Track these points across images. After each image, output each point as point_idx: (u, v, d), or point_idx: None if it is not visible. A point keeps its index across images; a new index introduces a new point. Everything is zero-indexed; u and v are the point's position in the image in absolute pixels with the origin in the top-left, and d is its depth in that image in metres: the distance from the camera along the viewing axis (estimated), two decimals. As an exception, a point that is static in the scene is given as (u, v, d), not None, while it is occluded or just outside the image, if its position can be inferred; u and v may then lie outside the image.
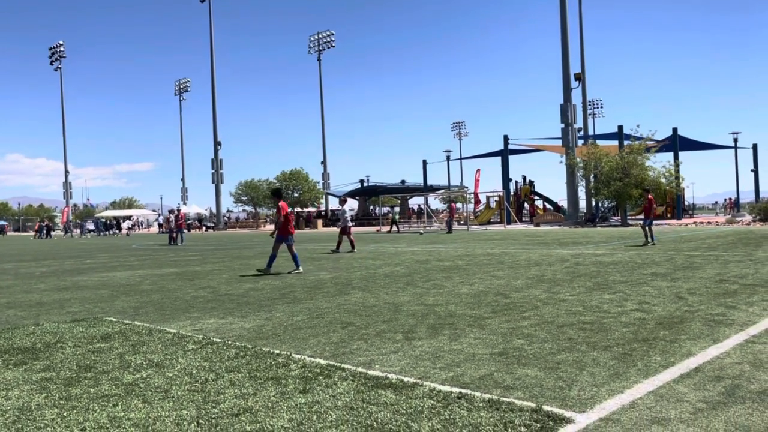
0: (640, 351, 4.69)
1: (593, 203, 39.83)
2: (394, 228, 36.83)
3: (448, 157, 79.96)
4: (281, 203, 12.31)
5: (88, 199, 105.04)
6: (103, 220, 63.68)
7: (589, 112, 63.80)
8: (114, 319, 6.99)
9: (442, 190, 60.70)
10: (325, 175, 72.36)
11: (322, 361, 4.67)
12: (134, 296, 9.15)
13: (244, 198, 71.04)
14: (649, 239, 16.92)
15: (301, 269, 12.13)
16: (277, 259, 12.35)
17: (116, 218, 66.67)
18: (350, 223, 18.93)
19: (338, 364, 4.56)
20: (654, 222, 18.30)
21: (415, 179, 66.17)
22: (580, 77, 40.57)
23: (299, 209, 66.91)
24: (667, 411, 3.34)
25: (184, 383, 4.18)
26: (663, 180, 34.55)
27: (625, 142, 36.15)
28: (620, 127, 38.35)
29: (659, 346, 4.83)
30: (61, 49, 75.13)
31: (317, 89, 74.36)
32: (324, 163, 72.22)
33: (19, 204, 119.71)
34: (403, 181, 62.09)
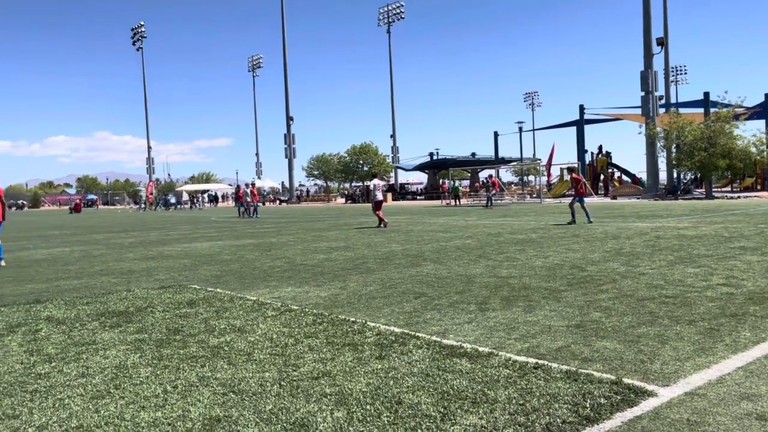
0: (728, 326, 4.48)
1: (675, 175, 37.98)
2: (459, 201, 36.49)
3: (520, 129, 78.18)
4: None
5: (169, 174, 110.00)
6: (170, 195, 66.16)
7: (671, 78, 60.47)
8: (198, 287, 7.35)
9: (514, 162, 59.52)
10: (395, 149, 72.50)
11: (397, 330, 4.74)
12: (215, 265, 9.56)
13: (316, 172, 72.31)
14: (574, 218, 16.27)
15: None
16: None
17: (194, 192, 69.44)
18: (379, 197, 18.30)
19: (412, 333, 4.61)
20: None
21: (485, 152, 65.10)
22: (662, 42, 38.40)
23: (368, 183, 67.46)
24: (758, 387, 3.20)
25: (266, 347, 4.36)
26: (753, 149, 32.45)
27: (711, 110, 34.11)
28: (706, 94, 36.20)
29: (749, 322, 4.60)
30: (142, 29, 78.20)
31: (387, 62, 74.12)
32: (393, 136, 72.31)
33: (107, 179, 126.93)
34: (473, 154, 61.30)
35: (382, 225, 17.35)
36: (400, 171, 72.65)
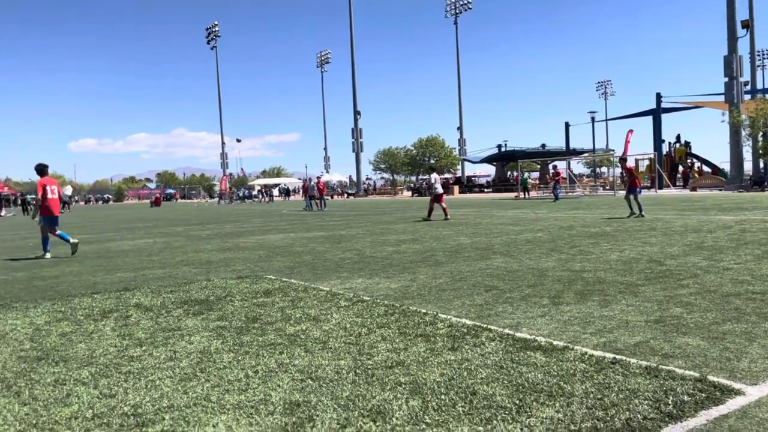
0: (824, 325, 4.23)
1: (761, 165, 35.79)
2: (527, 194, 35.78)
3: (592, 119, 75.77)
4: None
5: (241, 169, 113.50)
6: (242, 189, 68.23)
7: (757, 63, 56.88)
8: (273, 277, 7.59)
9: (586, 154, 57.80)
10: (462, 141, 71.86)
11: (468, 322, 4.74)
12: (288, 257, 9.84)
13: (383, 165, 72.72)
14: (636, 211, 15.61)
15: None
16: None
17: (265, 186, 71.42)
18: (440, 190, 18.76)
19: (484, 325, 4.61)
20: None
21: (556, 143, 63.46)
22: (747, 24, 36.20)
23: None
24: None
25: (340, 336, 4.47)
26: None
27: (804, 95, 31.89)
28: (798, 78, 33.81)
29: None
30: (216, 28, 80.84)
31: (454, 53, 73.48)
32: (460, 128, 71.69)
33: (184, 174, 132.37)
34: (543, 145, 59.95)
35: (448, 216, 17.69)
36: (466, 164, 71.96)
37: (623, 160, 18.83)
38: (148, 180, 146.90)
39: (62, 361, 4.09)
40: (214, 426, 2.88)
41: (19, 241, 15.72)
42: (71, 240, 11.17)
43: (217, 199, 61.37)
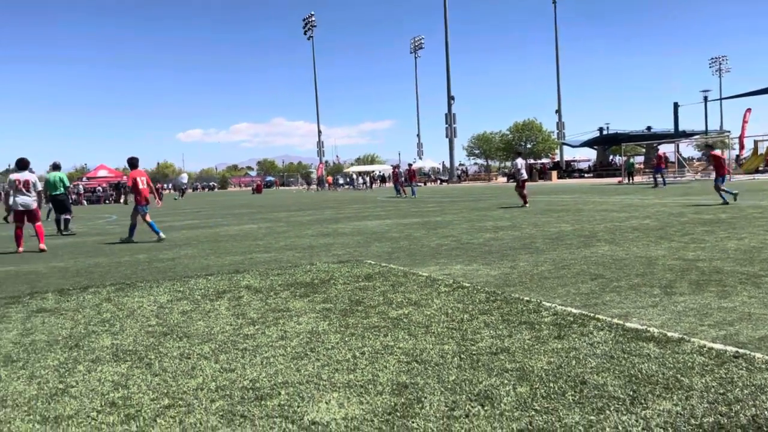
0: None
1: None
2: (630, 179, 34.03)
3: (705, 98, 70.72)
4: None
5: (337, 156, 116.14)
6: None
7: None
8: (372, 262, 7.75)
9: (697, 136, 54.11)
10: (560, 125, 69.46)
11: (574, 310, 4.63)
12: (385, 242, 9.99)
13: (477, 151, 71.79)
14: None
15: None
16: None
17: (364, 173, 72.65)
18: (524, 176, 18.35)
19: (591, 314, 4.48)
20: None
21: (663, 125, 59.74)
22: None
23: (532, 161, 65.47)
24: None
25: (442, 321, 4.51)
26: None
27: None
28: None
29: None
30: (313, 19, 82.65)
31: (552, 33, 70.94)
32: (558, 111, 69.28)
33: (282, 162, 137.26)
34: (648, 128, 56.75)
35: (526, 205, 17.34)
36: (565, 148, 69.51)
37: (709, 147, 17.61)
38: (249, 168, 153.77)
39: (185, 336, 4.42)
40: (326, 403, 3.01)
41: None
42: (160, 234, 11.97)
43: (312, 185, 63.54)
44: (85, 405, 3.14)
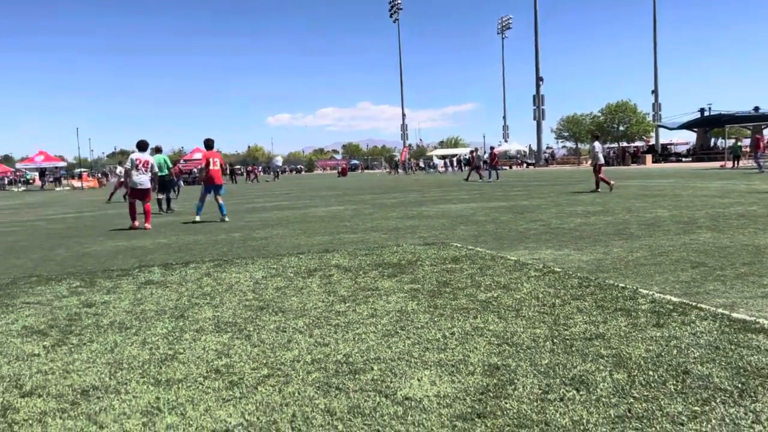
0: None
1: None
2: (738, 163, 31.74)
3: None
4: None
5: (420, 140, 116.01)
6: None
7: None
8: (458, 245, 7.72)
9: (812, 116, 49.65)
10: (656, 106, 65.85)
11: (674, 299, 4.42)
12: (471, 226, 9.92)
13: (566, 134, 69.44)
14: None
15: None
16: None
17: (448, 156, 72.23)
18: (601, 160, 18.01)
19: (693, 303, 4.27)
20: None
21: (773, 105, 55.17)
22: None
23: (625, 144, 62.58)
24: None
25: (533, 305, 4.45)
26: None
27: None
28: None
29: None
30: (399, 2, 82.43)
31: (649, 10, 67.11)
32: (655, 92, 65.65)
33: (366, 145, 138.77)
34: (756, 108, 52.66)
35: (599, 188, 17.21)
36: (661, 131, 65.85)
37: (754, 130, 16.12)
38: (335, 151, 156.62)
39: (280, 311, 4.61)
40: (418, 380, 3.06)
41: (240, 206, 17.77)
42: (226, 218, 12.54)
43: (392, 168, 63.95)
44: (192, 371, 3.36)
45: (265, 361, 3.46)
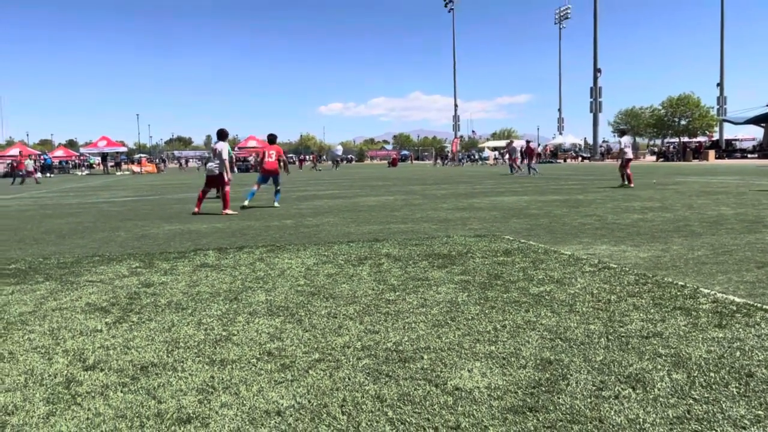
0: None
1: None
2: None
3: None
4: None
5: (473, 131, 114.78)
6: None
7: None
8: (510, 238, 7.62)
9: None
10: (721, 99, 63.10)
11: (738, 299, 4.24)
12: (524, 219, 9.76)
13: (623, 127, 67.35)
14: None
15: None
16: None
17: (498, 148, 71.28)
18: (630, 156, 17.65)
19: (759, 305, 4.08)
20: None
21: None
22: None
23: (687, 139, 60.29)
24: None
25: (587, 301, 4.34)
26: None
27: None
28: None
29: None
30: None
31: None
32: (720, 85, 62.88)
33: (417, 136, 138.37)
34: (831, 103, 49.77)
35: (627, 183, 17.11)
36: (726, 125, 63.07)
37: None
38: (386, 142, 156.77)
39: (331, 297, 4.65)
40: (469, 371, 3.04)
41: (292, 194, 18.06)
42: (276, 203, 13.25)
43: (443, 160, 63.52)
44: (245, 352, 3.43)
45: (316, 346, 3.50)
